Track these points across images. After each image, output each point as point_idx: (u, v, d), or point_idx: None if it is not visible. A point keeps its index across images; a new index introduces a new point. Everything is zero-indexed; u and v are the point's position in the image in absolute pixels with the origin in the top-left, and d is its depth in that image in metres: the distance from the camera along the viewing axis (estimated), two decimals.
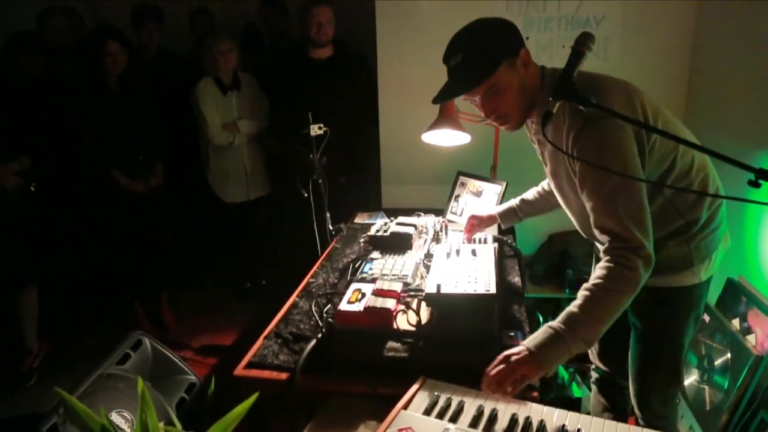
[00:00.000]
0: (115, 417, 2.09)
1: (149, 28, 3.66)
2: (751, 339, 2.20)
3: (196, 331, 3.65)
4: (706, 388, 2.34)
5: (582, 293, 1.40)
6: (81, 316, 3.71)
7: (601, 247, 1.47)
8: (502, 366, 1.35)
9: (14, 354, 3.16)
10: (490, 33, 1.52)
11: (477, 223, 2.23)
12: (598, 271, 1.42)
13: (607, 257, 1.42)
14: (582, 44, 1.35)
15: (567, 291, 2.97)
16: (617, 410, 2.13)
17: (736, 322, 2.29)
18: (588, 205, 1.49)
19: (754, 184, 1.09)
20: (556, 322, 1.38)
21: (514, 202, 2.21)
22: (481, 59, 1.49)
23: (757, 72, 2.28)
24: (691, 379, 2.43)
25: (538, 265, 3.10)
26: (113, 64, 3.12)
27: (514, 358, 1.35)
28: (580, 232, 1.75)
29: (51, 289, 3.35)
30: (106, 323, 3.61)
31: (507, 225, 2.24)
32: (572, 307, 1.39)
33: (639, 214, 1.41)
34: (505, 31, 1.53)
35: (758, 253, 2.28)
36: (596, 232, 1.48)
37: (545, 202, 2.11)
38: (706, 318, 2.42)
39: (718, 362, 2.30)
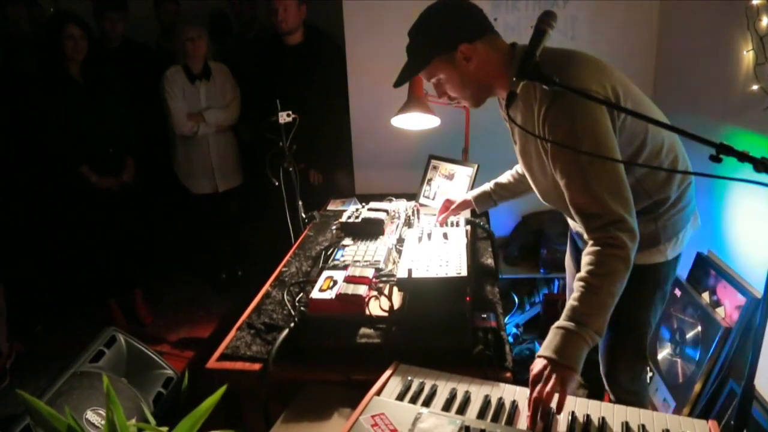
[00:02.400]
0: (90, 415, 2.06)
1: (112, 18, 3.56)
2: (720, 311, 2.24)
3: (172, 325, 3.62)
4: (679, 360, 2.38)
5: (578, 284, 1.36)
6: (55, 314, 3.64)
7: (578, 229, 1.45)
8: (538, 388, 1.26)
9: None
10: (432, 26, 1.55)
11: (451, 207, 2.22)
12: (586, 258, 1.38)
13: (592, 241, 1.39)
14: (544, 23, 1.33)
15: (542, 270, 2.99)
16: (592, 386, 2.17)
17: (706, 296, 2.33)
18: (561, 183, 1.45)
19: (716, 159, 1.08)
20: (562, 321, 1.33)
21: (488, 186, 2.19)
22: (415, 54, 1.58)
23: (723, 45, 2.29)
24: (664, 352, 2.47)
25: (513, 246, 3.11)
26: (74, 50, 3.01)
27: (544, 374, 1.27)
28: (544, 202, 1.74)
29: (22, 287, 3.29)
30: (80, 320, 3.55)
31: (482, 209, 2.22)
32: (572, 301, 1.35)
33: (616, 186, 1.37)
34: (448, 23, 1.53)
35: (726, 227, 2.32)
36: (573, 214, 1.45)
37: (520, 186, 2.09)
38: (678, 292, 2.46)
39: (689, 335, 2.35)
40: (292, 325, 1.67)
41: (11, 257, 3.21)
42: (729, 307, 2.21)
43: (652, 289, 1.74)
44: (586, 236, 1.43)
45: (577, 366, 1.28)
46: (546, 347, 1.31)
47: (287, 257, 2.29)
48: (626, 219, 1.37)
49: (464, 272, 1.65)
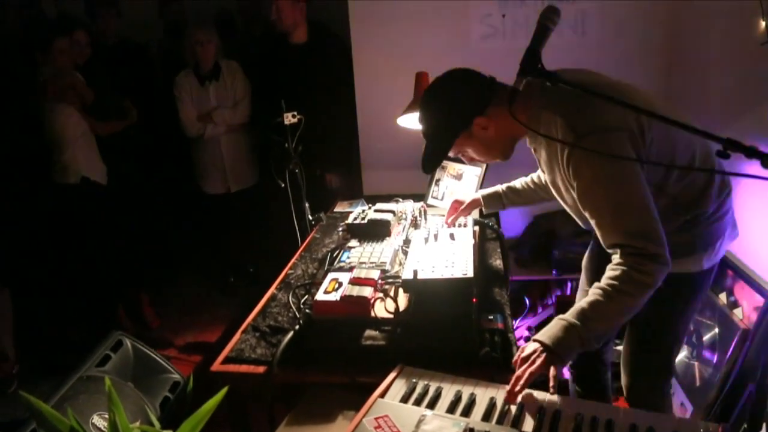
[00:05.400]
0: (96, 420, 2.06)
1: (104, 15, 3.57)
2: (737, 313, 2.18)
3: (179, 329, 3.61)
4: (696, 363, 2.32)
5: (595, 290, 1.36)
6: (62, 318, 3.65)
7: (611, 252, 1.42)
8: (524, 368, 1.30)
9: None
10: (441, 111, 1.60)
11: (460, 207, 2.18)
12: (610, 272, 1.37)
13: (621, 260, 1.37)
14: (546, 18, 1.30)
15: (554, 272, 2.94)
16: (595, 398, 2.08)
17: (723, 297, 2.27)
18: (592, 222, 1.45)
19: (722, 155, 1.05)
20: (568, 316, 1.36)
21: (500, 187, 2.15)
22: (434, 140, 1.63)
23: (739, 43, 2.24)
24: (680, 355, 2.41)
25: (524, 247, 3.06)
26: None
27: (533, 356, 1.31)
28: (585, 228, 1.71)
29: (29, 292, 3.30)
30: (87, 325, 3.54)
31: (490, 210, 2.19)
32: (584, 303, 1.36)
33: (648, 225, 1.36)
34: (456, 103, 1.56)
35: (744, 227, 2.25)
36: (607, 249, 1.44)
37: (533, 194, 2.05)
38: None
39: (706, 338, 2.29)
40: (297, 327, 1.64)
41: (18, 261, 3.22)
42: (747, 309, 2.15)
43: (685, 300, 1.70)
44: (615, 255, 1.40)
45: (566, 357, 1.33)
46: (543, 333, 1.35)
47: (293, 259, 2.27)
48: (661, 253, 1.35)
49: (470, 273, 1.63)
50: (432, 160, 1.68)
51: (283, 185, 2.52)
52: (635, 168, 1.37)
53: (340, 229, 2.27)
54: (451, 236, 1.91)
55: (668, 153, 1.46)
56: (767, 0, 1.99)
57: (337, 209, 2.82)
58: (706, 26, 2.53)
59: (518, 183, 2.11)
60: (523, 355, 1.33)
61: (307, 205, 2.59)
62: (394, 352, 1.53)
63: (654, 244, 1.34)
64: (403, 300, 1.73)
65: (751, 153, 1.02)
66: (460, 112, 1.56)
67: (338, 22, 3.17)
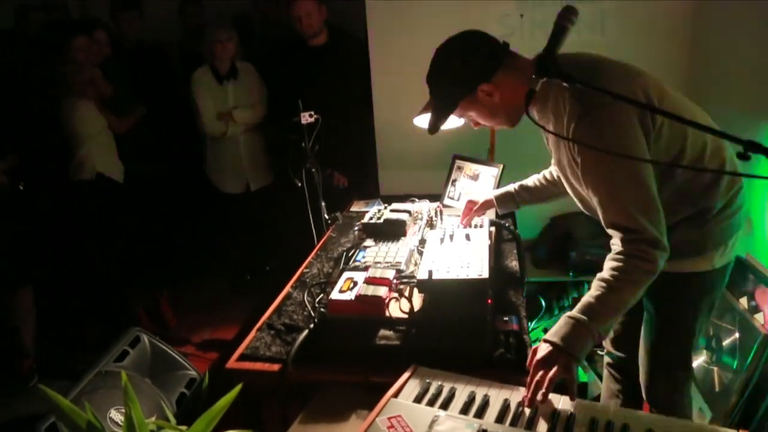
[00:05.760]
0: (114, 414, 2.09)
1: (126, 18, 3.63)
2: (759, 318, 2.14)
3: (196, 326, 3.63)
4: (715, 369, 2.28)
5: (597, 283, 1.37)
6: (81, 315, 3.70)
7: (613, 236, 1.42)
8: (540, 372, 1.29)
9: (13, 356, 3.16)
10: (448, 73, 1.57)
11: (473, 207, 2.18)
12: (611, 263, 1.38)
13: (621, 248, 1.37)
14: (564, 18, 1.30)
15: (570, 274, 2.92)
16: (627, 397, 2.07)
17: (743, 301, 2.23)
18: (594, 200, 1.44)
19: (743, 157, 1.03)
20: (575, 312, 1.35)
21: (512, 187, 2.14)
22: (439, 102, 1.63)
23: (762, 40, 2.20)
24: (699, 360, 2.37)
25: (540, 248, 3.05)
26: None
27: (548, 359, 1.30)
28: (588, 214, 1.70)
29: (50, 288, 3.35)
30: (106, 321, 3.58)
31: (503, 211, 2.18)
32: (589, 297, 1.36)
33: (650, 205, 1.36)
34: (463, 67, 1.54)
35: (765, 230, 2.22)
36: (607, 229, 1.44)
37: (545, 191, 2.04)
38: None
39: (726, 342, 2.25)
40: (312, 326, 1.65)
41: (38, 259, 3.27)
42: None
43: (697, 298, 1.67)
44: (615, 242, 1.41)
45: (580, 355, 1.31)
46: (554, 333, 1.34)
47: (309, 258, 2.28)
48: (660, 239, 1.36)
49: (485, 274, 1.62)
50: (435, 121, 1.66)
51: (299, 184, 2.53)
52: (641, 144, 1.37)
53: (356, 228, 2.27)
54: (467, 237, 1.91)
55: (680, 138, 1.45)
56: None
57: (353, 209, 2.83)
58: (730, 26, 2.49)
59: (530, 181, 2.09)
60: (538, 357, 1.31)
61: (323, 204, 2.59)
62: (408, 352, 1.53)
63: (654, 228, 1.35)
64: (417, 300, 1.73)
65: None
66: (466, 76, 1.53)
67: (355, 24, 3.19)
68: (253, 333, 1.75)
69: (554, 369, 1.27)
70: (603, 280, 1.37)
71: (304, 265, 2.21)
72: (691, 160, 1.48)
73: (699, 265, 1.60)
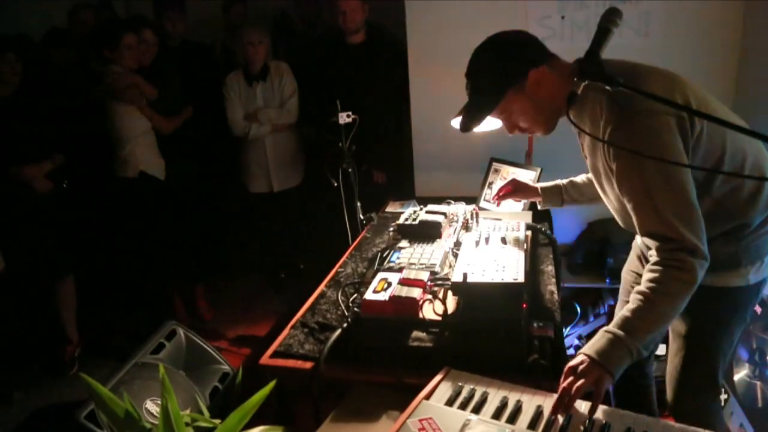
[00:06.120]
0: (150, 405, 2.14)
1: (172, 18, 3.69)
2: None
3: (231, 322, 3.69)
4: (758, 383, 2.21)
5: (635, 296, 1.33)
6: (121, 305, 3.80)
7: (650, 245, 1.38)
8: (569, 380, 1.26)
9: (56, 344, 3.27)
10: (495, 61, 1.52)
11: (514, 188, 2.13)
12: (648, 274, 1.34)
13: (658, 258, 1.33)
14: (607, 20, 1.28)
15: (607, 280, 2.86)
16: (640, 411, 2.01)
17: None
18: (629, 206, 1.41)
19: None
20: (612, 327, 1.31)
21: (560, 181, 2.09)
22: (484, 92, 1.53)
23: None
24: (741, 374, 2.30)
25: (577, 254, 2.99)
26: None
27: (580, 368, 1.26)
28: (623, 226, 1.66)
29: (90, 279, 3.45)
30: (145, 312, 3.68)
31: (546, 205, 2.12)
32: (626, 311, 1.32)
33: (687, 211, 1.32)
34: (514, 53, 1.51)
35: None
36: (643, 238, 1.40)
37: (594, 190, 1.99)
38: (758, 309, 2.29)
39: None
40: (345, 325, 1.66)
41: (82, 250, 3.37)
42: None
43: (729, 315, 1.62)
44: (652, 253, 1.37)
45: (615, 372, 1.26)
46: (590, 347, 1.30)
47: (344, 258, 2.29)
48: (699, 246, 1.31)
49: (521, 278, 1.60)
50: (476, 114, 1.57)
51: (336, 184, 2.55)
52: (679, 151, 1.33)
53: (391, 229, 2.27)
54: (503, 240, 1.88)
55: (718, 149, 1.41)
56: None
57: (389, 209, 2.83)
58: None
59: (579, 178, 2.04)
60: (571, 365, 1.29)
61: (359, 204, 2.60)
62: (441, 354, 1.52)
63: (692, 235, 1.30)
64: (451, 303, 1.72)
65: None
66: (516, 62, 1.49)
67: (395, 23, 3.19)
68: (287, 330, 1.76)
69: (584, 380, 1.23)
70: (640, 292, 1.32)
71: (338, 264, 2.22)
72: (730, 170, 1.44)
73: (733, 280, 1.55)
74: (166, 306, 3.63)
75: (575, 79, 1.27)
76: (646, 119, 1.32)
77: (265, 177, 3.72)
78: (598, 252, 2.90)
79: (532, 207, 2.36)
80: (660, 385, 2.07)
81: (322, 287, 2.04)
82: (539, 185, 2.11)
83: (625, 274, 1.99)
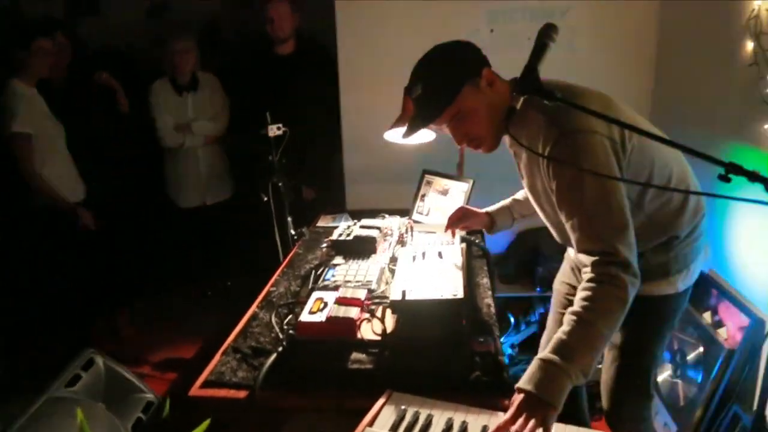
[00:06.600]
0: None
1: (85, 20, 3.51)
2: (722, 332, 2.18)
3: (155, 345, 3.50)
4: (680, 382, 2.31)
5: (569, 318, 1.29)
6: (37, 333, 3.51)
7: (585, 262, 1.38)
8: (519, 423, 1.17)
9: None
10: (448, 58, 1.49)
11: (463, 215, 2.08)
12: (582, 293, 1.32)
13: (592, 275, 1.33)
14: (545, 35, 1.28)
15: (538, 289, 2.92)
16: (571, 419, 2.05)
17: (707, 316, 2.26)
18: (567, 225, 1.41)
19: (724, 179, 1.03)
20: (548, 354, 1.25)
21: (504, 201, 2.07)
22: (441, 87, 1.46)
23: (723, 57, 2.25)
24: (664, 374, 2.40)
25: (508, 264, 3.05)
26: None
27: (523, 407, 1.19)
28: (560, 241, 1.68)
29: (3, 306, 3.18)
30: (62, 340, 3.41)
31: (499, 228, 2.06)
32: (561, 334, 1.27)
33: (624, 229, 1.34)
34: (463, 54, 1.49)
35: (728, 246, 2.26)
36: (578, 253, 1.40)
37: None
38: None
39: (690, 356, 2.28)
40: (281, 349, 1.58)
41: None
42: (732, 328, 2.14)
43: (661, 322, 1.68)
44: (586, 270, 1.37)
45: (558, 404, 1.20)
46: (528, 380, 1.23)
47: (275, 276, 2.20)
48: (632, 263, 1.32)
49: (461, 294, 1.59)
50: (431, 111, 1.48)
51: (266, 198, 2.46)
52: (615, 170, 1.35)
53: (324, 245, 2.21)
54: (440, 255, 1.88)
55: (647, 166, 1.46)
56: (755, 22, 2.00)
57: (320, 224, 2.77)
58: (694, 46, 2.55)
59: (519, 195, 2.03)
60: (514, 407, 1.20)
61: (290, 219, 2.53)
62: (382, 375, 1.48)
63: (628, 252, 1.32)
64: (390, 321, 1.68)
65: (754, 177, 1.01)
66: (470, 59, 1.48)
67: (326, 35, 3.15)
68: (217, 357, 1.66)
69: (531, 423, 1.16)
70: (574, 313, 1.29)
71: (270, 283, 2.14)
72: (656, 190, 1.49)
73: (664, 289, 1.61)
74: (86, 330, 3.40)
75: (514, 93, 1.27)
76: (584, 137, 1.34)
77: (198, 190, 3.59)
78: (528, 261, 2.96)
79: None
80: (591, 389, 2.12)
81: (253, 308, 1.95)
82: (487, 210, 2.09)
83: (558, 285, 2.01)
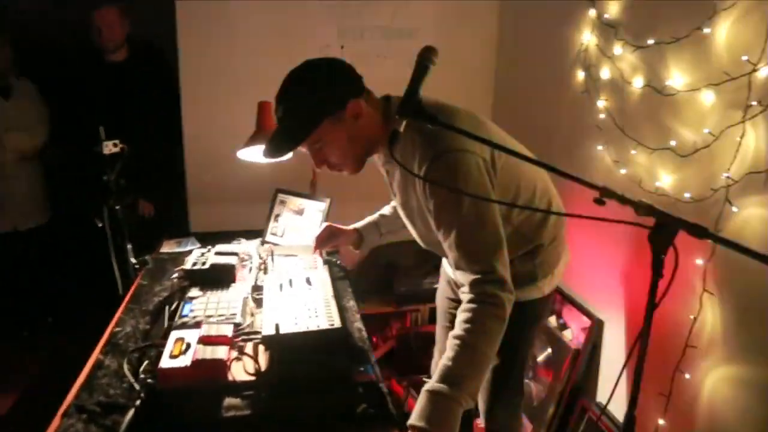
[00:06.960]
0: None
1: None
2: (567, 334, 2.36)
3: None
4: (532, 384, 2.46)
5: (453, 342, 1.29)
6: None
7: (463, 281, 1.39)
8: None
9: None
10: (312, 86, 1.43)
11: (330, 234, 2.01)
12: (462, 315, 1.33)
13: (471, 296, 1.34)
14: (425, 58, 1.27)
15: (396, 305, 2.94)
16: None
17: (553, 319, 2.44)
18: (445, 244, 1.42)
19: (599, 202, 1.09)
20: (435, 384, 1.24)
21: (371, 217, 2.04)
22: (299, 118, 1.43)
23: (556, 86, 2.45)
24: None
25: (363, 281, 3.02)
26: None
27: None
28: (425, 247, 1.69)
29: None
30: None
31: (367, 245, 2.03)
32: (446, 360, 1.27)
33: (499, 247, 1.37)
34: (333, 81, 1.44)
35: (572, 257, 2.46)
36: (455, 270, 1.41)
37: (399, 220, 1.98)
38: None
39: (540, 358, 2.44)
40: (139, 402, 1.37)
41: None
42: (575, 330, 2.33)
43: (530, 324, 1.78)
44: (464, 290, 1.39)
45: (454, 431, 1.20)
46: (419, 416, 1.21)
47: (119, 313, 1.92)
48: (507, 280, 1.36)
49: (338, 322, 1.52)
50: (287, 141, 1.46)
51: (100, 224, 2.15)
52: (489, 189, 1.40)
53: (175, 275, 2.00)
54: (308, 281, 1.79)
55: (515, 181, 1.53)
56: (585, 54, 2.21)
57: (164, 249, 2.49)
58: (530, 73, 2.75)
59: (385, 210, 2.02)
60: None
61: (129, 246, 2.24)
62: (261, 420, 1.36)
63: (502, 268, 1.36)
64: (264, 358, 1.55)
65: (624, 201, 1.08)
66: (337, 90, 1.43)
67: (161, 39, 2.88)
68: (57, 421, 1.39)
69: None
70: (457, 337, 1.30)
71: (113, 322, 1.86)
72: (525, 201, 1.57)
73: (531, 294, 1.70)
74: None
75: (396, 116, 1.23)
76: (459, 157, 1.36)
77: (9, 214, 3.12)
78: (383, 277, 2.97)
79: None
80: None
81: (96, 355, 1.68)
82: (355, 226, 2.04)
83: (440, 301, 2.05)
